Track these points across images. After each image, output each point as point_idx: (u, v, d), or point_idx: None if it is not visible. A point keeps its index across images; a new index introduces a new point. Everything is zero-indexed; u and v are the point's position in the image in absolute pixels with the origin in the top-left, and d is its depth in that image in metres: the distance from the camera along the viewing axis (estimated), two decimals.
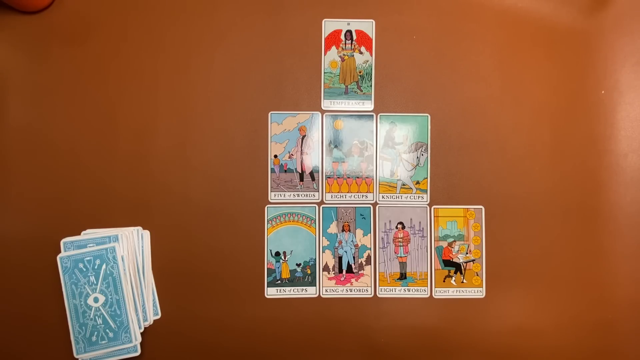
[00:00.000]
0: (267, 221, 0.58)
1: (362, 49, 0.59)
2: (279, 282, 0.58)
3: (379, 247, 0.59)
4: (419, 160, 0.59)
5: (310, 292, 0.58)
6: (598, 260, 0.58)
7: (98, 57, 0.58)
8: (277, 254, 0.58)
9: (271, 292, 0.58)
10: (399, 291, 0.59)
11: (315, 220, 0.58)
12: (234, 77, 0.58)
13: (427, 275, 0.59)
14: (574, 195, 0.58)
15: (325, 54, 0.59)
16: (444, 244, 0.59)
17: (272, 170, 0.58)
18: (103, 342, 0.55)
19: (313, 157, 0.59)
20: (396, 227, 0.59)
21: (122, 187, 0.57)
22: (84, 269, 0.54)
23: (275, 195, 0.58)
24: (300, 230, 0.58)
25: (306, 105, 0.59)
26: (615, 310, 0.58)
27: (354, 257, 0.59)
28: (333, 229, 0.59)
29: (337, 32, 0.59)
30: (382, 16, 0.59)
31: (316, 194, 0.59)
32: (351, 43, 0.59)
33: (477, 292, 0.59)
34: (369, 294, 0.59)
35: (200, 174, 0.58)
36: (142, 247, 0.57)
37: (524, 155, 0.58)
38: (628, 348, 0.58)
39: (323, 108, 0.59)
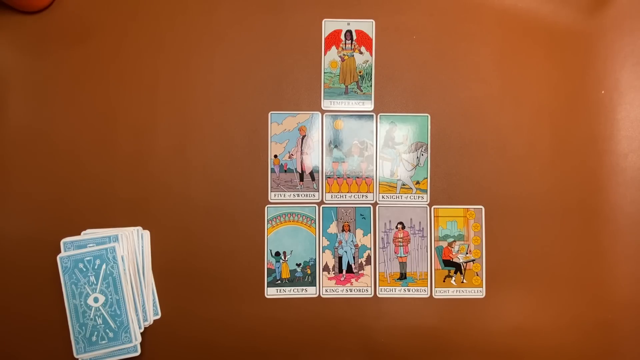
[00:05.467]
0: (267, 221, 0.58)
1: (362, 49, 0.59)
2: (279, 282, 0.58)
3: (379, 247, 0.59)
4: (419, 160, 0.59)
5: (310, 292, 0.58)
6: (598, 260, 0.58)
7: (98, 57, 0.58)
8: (277, 254, 0.58)
9: (271, 292, 0.58)
10: (399, 291, 0.59)
11: (315, 220, 0.58)
12: (234, 77, 0.58)
13: (427, 275, 0.59)
14: (574, 195, 0.58)
15: (325, 54, 0.59)
16: (444, 244, 0.59)
17: (272, 170, 0.58)
18: (103, 342, 0.55)
19: (313, 157, 0.59)
20: (396, 227, 0.59)
21: (122, 187, 0.57)
22: (84, 269, 0.54)
23: (275, 195, 0.58)
24: (300, 230, 0.58)
25: (306, 105, 0.59)
26: (615, 310, 0.58)
27: (354, 257, 0.59)
28: (333, 229, 0.59)
29: (337, 32, 0.59)
30: (382, 16, 0.59)
31: (316, 194, 0.59)
32: (351, 43, 0.59)
33: (477, 292, 0.59)
34: (369, 294, 0.59)
35: (200, 174, 0.58)
36: (142, 247, 0.57)
37: (524, 155, 0.58)
38: (628, 348, 0.58)
39: (323, 108, 0.59)
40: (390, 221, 0.59)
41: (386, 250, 0.59)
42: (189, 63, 0.58)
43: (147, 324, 0.56)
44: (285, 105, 0.58)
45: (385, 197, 0.59)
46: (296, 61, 0.58)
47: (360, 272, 0.59)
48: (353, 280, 0.59)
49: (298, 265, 0.58)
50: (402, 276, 0.59)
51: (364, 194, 0.59)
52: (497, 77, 0.59)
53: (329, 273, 0.58)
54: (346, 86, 0.59)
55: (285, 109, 0.58)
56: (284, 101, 0.58)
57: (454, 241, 0.59)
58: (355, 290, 0.58)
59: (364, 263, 0.59)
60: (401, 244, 0.59)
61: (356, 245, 0.59)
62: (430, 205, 0.59)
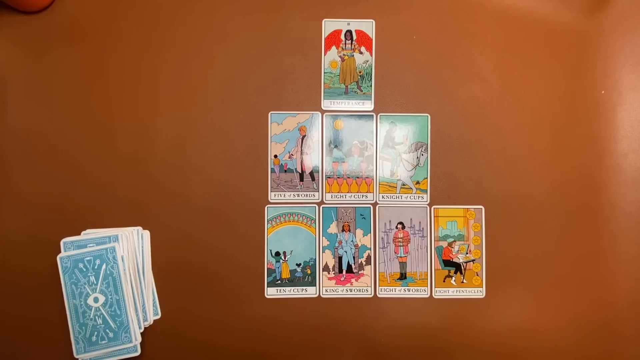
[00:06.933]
0: (267, 221, 0.58)
1: (362, 49, 0.59)
2: (279, 282, 0.58)
3: (379, 247, 0.59)
4: (419, 160, 0.59)
5: (310, 292, 0.58)
6: (598, 260, 0.58)
7: (98, 57, 0.58)
8: (277, 254, 0.58)
9: (271, 292, 0.58)
10: (399, 291, 0.59)
11: (315, 220, 0.58)
12: (234, 77, 0.58)
13: (427, 275, 0.59)
14: (574, 195, 0.58)
15: (325, 54, 0.59)
16: (444, 244, 0.59)
17: (272, 170, 0.58)
18: (103, 342, 0.55)
19: (313, 157, 0.59)
20: (396, 227, 0.59)
21: (122, 187, 0.57)
22: (84, 269, 0.54)
23: (275, 195, 0.58)
24: (300, 230, 0.58)
25: (306, 105, 0.59)
26: (615, 310, 0.58)
27: (354, 257, 0.59)
28: (333, 229, 0.59)
29: (337, 32, 0.59)
30: (382, 16, 0.59)
31: (316, 194, 0.59)
32: (351, 43, 0.59)
33: (477, 292, 0.59)
34: (369, 294, 0.59)
35: (200, 174, 0.58)
36: (142, 247, 0.57)
37: (524, 155, 0.58)
38: (628, 348, 0.58)
39: (323, 108, 0.59)
40: (390, 221, 0.59)
41: (386, 250, 0.59)
42: (188, 63, 0.58)
43: (147, 324, 0.56)
44: (285, 105, 0.58)
45: (385, 197, 0.59)
46: (296, 61, 0.58)
47: (360, 272, 0.59)
48: (353, 280, 0.58)
49: (298, 265, 0.58)
50: (402, 276, 0.59)
51: (364, 194, 0.59)
52: (497, 77, 0.59)
53: (329, 273, 0.58)
54: (346, 86, 0.59)
55: (285, 109, 0.58)
56: (284, 101, 0.58)
57: (454, 241, 0.59)
58: (355, 290, 0.58)
59: (364, 263, 0.59)
60: (401, 244, 0.59)
61: (356, 245, 0.59)
62: (430, 205, 0.59)
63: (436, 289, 0.59)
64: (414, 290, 0.59)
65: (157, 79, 0.58)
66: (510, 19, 0.59)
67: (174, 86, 0.58)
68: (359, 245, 0.59)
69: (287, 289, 0.58)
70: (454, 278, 0.59)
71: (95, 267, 0.54)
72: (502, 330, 0.58)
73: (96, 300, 0.55)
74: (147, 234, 0.57)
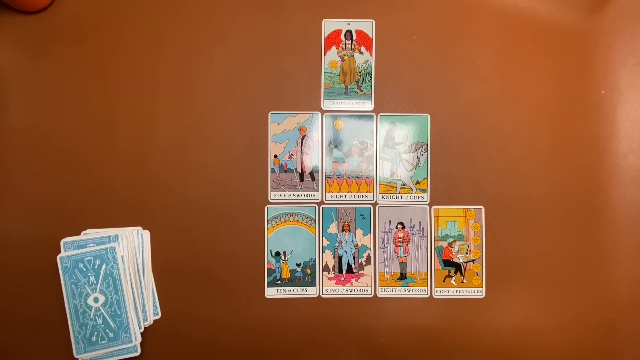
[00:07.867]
0: (267, 221, 0.58)
1: (362, 49, 0.59)
2: (279, 282, 0.58)
3: (379, 247, 0.59)
4: (419, 160, 0.59)
5: (310, 292, 0.58)
6: (598, 260, 0.58)
7: (98, 57, 0.58)
8: (277, 254, 0.58)
9: (271, 292, 0.58)
10: (399, 291, 0.59)
11: (315, 220, 0.58)
12: (234, 77, 0.58)
13: (427, 275, 0.59)
14: (574, 195, 0.58)
15: (325, 54, 0.59)
16: (444, 244, 0.59)
17: (272, 170, 0.58)
18: (103, 342, 0.55)
19: (313, 157, 0.59)
20: (396, 227, 0.59)
21: (122, 187, 0.57)
22: (84, 269, 0.54)
23: (275, 195, 0.58)
24: (300, 230, 0.58)
25: (306, 105, 0.59)
26: (616, 311, 0.58)
27: (354, 257, 0.59)
28: (333, 229, 0.59)
29: (337, 32, 0.59)
30: (382, 16, 0.59)
31: (316, 194, 0.59)
32: (351, 43, 0.59)
33: (477, 292, 0.59)
34: (369, 294, 0.59)
35: (200, 174, 0.58)
36: (142, 247, 0.57)
37: (524, 155, 0.58)
38: (628, 348, 0.58)
39: (323, 108, 0.59)
40: (390, 221, 0.59)
41: (386, 250, 0.59)
42: (189, 63, 0.58)
43: (147, 324, 0.56)
44: (285, 105, 0.58)
45: (385, 197, 0.59)
46: (296, 61, 0.58)
47: (360, 272, 0.59)
48: (353, 280, 0.58)
49: (298, 265, 0.58)
50: (402, 276, 0.59)
51: (364, 194, 0.59)
52: (497, 77, 0.59)
53: (329, 273, 0.58)
54: (346, 86, 0.59)
55: (285, 109, 0.58)
56: (284, 101, 0.58)
57: (454, 241, 0.59)
58: (355, 290, 0.58)
59: (364, 263, 0.59)
60: (401, 244, 0.59)
61: (356, 245, 0.59)
62: (430, 205, 0.59)
63: (436, 289, 0.59)
64: (414, 290, 0.59)
65: (157, 78, 0.58)
66: (510, 19, 0.59)
67: (174, 86, 0.58)
68: (359, 245, 0.59)
69: (287, 289, 0.58)
70: (454, 278, 0.59)
71: (95, 267, 0.54)
72: (502, 330, 0.58)
73: (96, 300, 0.55)
74: (147, 234, 0.57)
